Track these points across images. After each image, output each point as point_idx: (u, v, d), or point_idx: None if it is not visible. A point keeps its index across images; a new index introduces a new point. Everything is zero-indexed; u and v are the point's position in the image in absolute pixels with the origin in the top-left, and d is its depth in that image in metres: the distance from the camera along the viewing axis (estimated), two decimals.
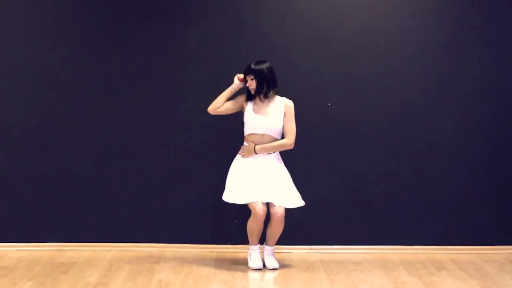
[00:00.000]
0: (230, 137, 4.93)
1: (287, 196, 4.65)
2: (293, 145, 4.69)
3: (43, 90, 5.12)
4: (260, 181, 4.63)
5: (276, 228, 4.66)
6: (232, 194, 4.67)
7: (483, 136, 5.21)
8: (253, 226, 4.64)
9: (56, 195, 5.14)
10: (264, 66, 4.65)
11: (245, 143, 4.73)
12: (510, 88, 5.21)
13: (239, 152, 4.77)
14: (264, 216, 4.60)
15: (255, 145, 4.67)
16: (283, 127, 4.69)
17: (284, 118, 4.69)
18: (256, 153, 4.67)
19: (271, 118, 4.67)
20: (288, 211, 4.78)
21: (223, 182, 4.85)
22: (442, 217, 5.21)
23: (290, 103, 4.72)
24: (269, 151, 4.69)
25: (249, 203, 4.61)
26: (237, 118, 4.82)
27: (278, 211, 4.59)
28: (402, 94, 5.17)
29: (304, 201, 5.06)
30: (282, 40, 5.11)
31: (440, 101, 5.18)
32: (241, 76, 4.73)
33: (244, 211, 4.75)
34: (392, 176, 5.19)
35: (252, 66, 4.65)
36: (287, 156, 4.79)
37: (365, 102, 5.15)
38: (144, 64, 5.12)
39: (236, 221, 5.06)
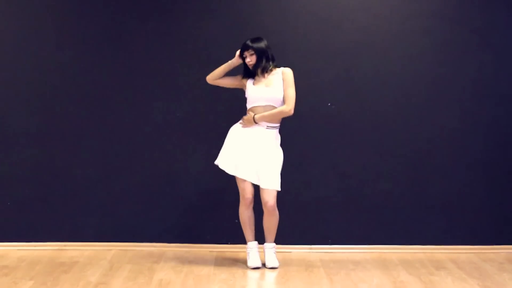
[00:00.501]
0: None
1: (268, 177, 4.59)
2: (292, 111, 4.63)
3: (44, 90, 5.13)
4: (252, 159, 4.60)
5: (270, 218, 4.66)
6: (225, 161, 4.68)
7: (482, 136, 5.22)
8: (243, 211, 4.68)
9: (57, 194, 5.16)
10: (262, 43, 4.68)
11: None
12: (509, 88, 5.22)
13: (240, 121, 4.75)
14: (252, 199, 4.63)
15: (255, 114, 4.65)
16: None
17: (283, 85, 4.67)
18: (256, 123, 4.66)
19: (271, 88, 4.64)
20: (287, 210, 4.79)
21: (224, 182, 4.86)
22: (441, 217, 5.23)
23: (287, 70, 4.69)
24: (268, 119, 4.64)
25: (238, 185, 4.65)
26: (238, 117, 4.83)
27: (269, 200, 4.58)
28: (401, 94, 5.18)
29: (304, 200, 5.08)
30: (281, 40, 5.12)
31: (439, 101, 5.19)
32: None
33: None
34: (391, 175, 5.21)
35: (251, 43, 4.64)
36: (287, 156, 4.79)
37: (364, 102, 5.17)
38: (145, 64, 5.14)
39: (236, 220, 5.06)
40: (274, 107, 4.65)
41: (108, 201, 5.18)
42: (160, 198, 5.19)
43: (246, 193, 4.64)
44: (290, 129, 4.80)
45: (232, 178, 4.75)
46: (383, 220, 5.21)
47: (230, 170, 4.66)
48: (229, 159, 4.67)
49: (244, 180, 4.64)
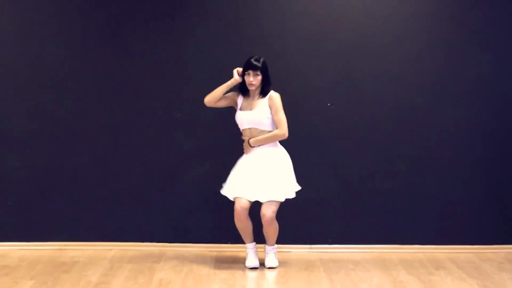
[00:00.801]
0: (229, 136, 4.94)
1: (263, 191, 4.59)
2: (286, 135, 4.63)
3: (44, 91, 5.14)
4: (248, 177, 4.62)
5: (267, 230, 4.67)
6: (226, 188, 4.73)
7: (481, 136, 5.23)
8: (236, 222, 4.67)
9: (58, 194, 5.17)
10: (266, 65, 4.64)
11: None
12: (509, 88, 5.23)
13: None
14: (244, 212, 4.59)
15: (249, 139, 4.68)
16: (270, 119, 4.64)
17: (271, 111, 4.65)
18: (252, 147, 4.67)
19: (254, 112, 4.64)
20: (287, 210, 4.80)
21: (223, 181, 4.87)
22: (440, 217, 5.24)
23: (274, 95, 4.65)
24: (263, 143, 4.65)
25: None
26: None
27: (266, 213, 4.58)
28: (401, 94, 5.19)
29: (304, 200, 5.07)
30: (282, 40, 5.13)
31: (439, 101, 5.20)
32: (241, 70, 4.69)
33: None
34: (391, 175, 5.21)
35: (258, 63, 4.60)
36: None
37: (364, 102, 5.17)
38: (144, 64, 5.14)
39: None
40: (258, 129, 4.65)
41: (109, 201, 5.19)
42: (160, 198, 5.20)
43: (236, 206, 4.61)
44: (290, 130, 4.80)
45: None
46: (382, 220, 5.22)
47: (229, 195, 4.70)
48: (230, 184, 4.71)
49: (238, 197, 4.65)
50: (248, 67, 4.62)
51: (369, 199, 5.21)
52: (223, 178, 4.84)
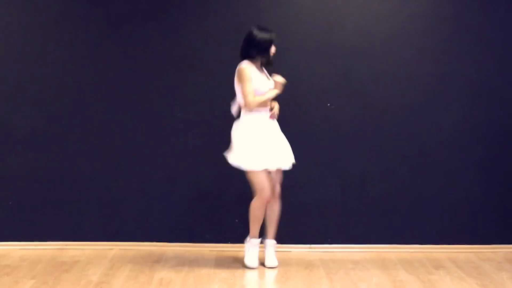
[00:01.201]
0: (230, 136, 4.95)
1: (284, 158, 4.67)
2: None
3: (46, 91, 5.15)
4: (271, 147, 4.61)
5: (274, 207, 4.70)
6: (254, 161, 4.55)
7: (480, 136, 5.24)
8: (258, 210, 4.62)
9: (59, 194, 5.18)
10: None
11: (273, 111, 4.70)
12: (508, 88, 5.24)
13: (270, 114, 4.68)
14: (270, 198, 4.64)
15: (273, 107, 4.68)
16: None
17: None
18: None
19: (271, 81, 4.71)
20: (287, 209, 4.81)
21: (223, 181, 4.88)
22: (440, 216, 5.25)
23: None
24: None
25: (258, 181, 4.54)
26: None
27: (277, 187, 4.67)
28: (400, 94, 5.20)
29: (304, 200, 5.10)
30: (281, 40, 5.11)
31: (438, 101, 5.21)
32: (281, 77, 4.67)
33: (244, 209, 4.78)
34: (390, 175, 5.23)
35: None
36: None
37: (363, 102, 5.18)
38: (145, 64, 5.15)
39: (237, 220, 5.09)
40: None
41: (109, 201, 5.20)
42: (160, 198, 5.21)
43: (267, 194, 4.57)
44: (290, 129, 4.82)
45: (233, 177, 4.77)
46: (382, 219, 5.24)
47: (259, 166, 4.56)
48: (257, 157, 4.55)
49: (267, 174, 4.58)
50: (272, 37, 4.62)
51: (369, 199, 5.22)
52: (223, 178, 4.85)
